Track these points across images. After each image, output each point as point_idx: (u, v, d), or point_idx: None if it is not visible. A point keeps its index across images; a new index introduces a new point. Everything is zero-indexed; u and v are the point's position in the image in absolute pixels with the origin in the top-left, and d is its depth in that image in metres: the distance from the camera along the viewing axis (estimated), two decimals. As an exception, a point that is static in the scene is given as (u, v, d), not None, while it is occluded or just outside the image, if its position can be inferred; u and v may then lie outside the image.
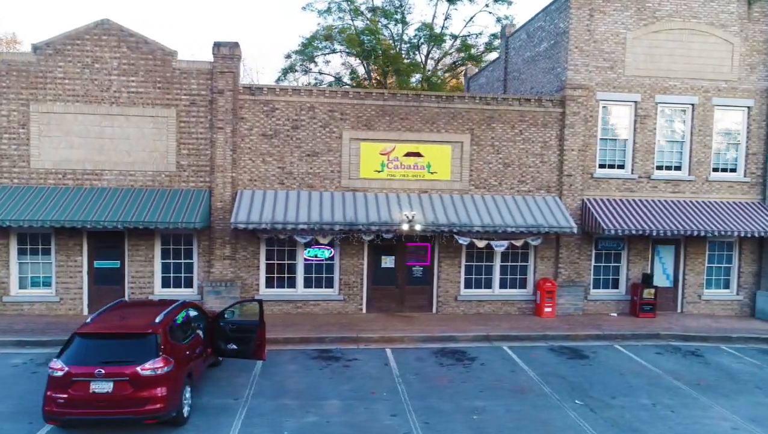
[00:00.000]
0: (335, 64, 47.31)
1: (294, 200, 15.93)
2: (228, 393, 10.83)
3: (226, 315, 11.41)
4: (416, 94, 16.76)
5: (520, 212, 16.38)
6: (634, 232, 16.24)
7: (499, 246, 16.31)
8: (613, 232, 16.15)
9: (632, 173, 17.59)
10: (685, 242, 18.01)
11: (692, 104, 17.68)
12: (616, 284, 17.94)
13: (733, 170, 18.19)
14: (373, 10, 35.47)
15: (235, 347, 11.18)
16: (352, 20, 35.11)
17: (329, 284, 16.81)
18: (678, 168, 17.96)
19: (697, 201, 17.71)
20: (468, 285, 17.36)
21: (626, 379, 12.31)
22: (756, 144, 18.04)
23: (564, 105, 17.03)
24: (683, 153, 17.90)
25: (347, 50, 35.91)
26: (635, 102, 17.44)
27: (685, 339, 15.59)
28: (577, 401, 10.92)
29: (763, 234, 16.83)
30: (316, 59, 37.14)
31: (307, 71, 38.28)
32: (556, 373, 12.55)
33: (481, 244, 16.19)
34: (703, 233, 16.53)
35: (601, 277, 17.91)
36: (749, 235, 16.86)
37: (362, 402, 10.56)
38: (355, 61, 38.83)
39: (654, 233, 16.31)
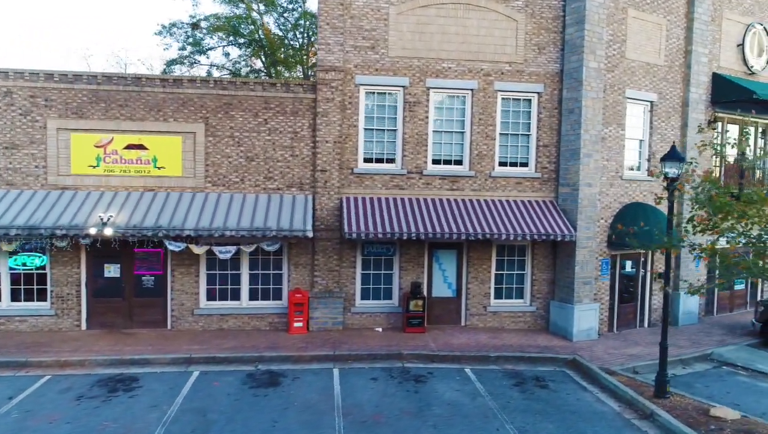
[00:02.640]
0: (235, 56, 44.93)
1: (-16, 200, 13.66)
2: None
3: None
4: (137, 78, 14.51)
5: (252, 214, 14.17)
6: (380, 235, 14.09)
7: (225, 252, 14.10)
8: (354, 236, 13.99)
9: (402, 168, 15.44)
10: (468, 247, 15.88)
11: (471, 90, 15.54)
12: (389, 295, 15.78)
13: (524, 165, 16.07)
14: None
15: None
16: (236, 7, 32.89)
17: (42, 297, 14.56)
18: (459, 162, 15.81)
19: (478, 200, 15.58)
20: (212, 297, 15.15)
21: (285, 414, 10.14)
22: (547, 135, 15.92)
23: (316, 90, 14.86)
24: (463, 145, 15.76)
25: (233, 41, 33.70)
26: (403, 87, 15.28)
27: (432, 360, 13.43)
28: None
29: (555, 238, 14.74)
30: (211, 51, 34.84)
31: (193, 63, 36.01)
32: (205, 409, 10.34)
33: (199, 250, 13.97)
34: (482, 237, 14.42)
35: (371, 286, 15.74)
36: (537, 238, 14.77)
37: None
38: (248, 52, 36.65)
39: (402, 237, 14.13)
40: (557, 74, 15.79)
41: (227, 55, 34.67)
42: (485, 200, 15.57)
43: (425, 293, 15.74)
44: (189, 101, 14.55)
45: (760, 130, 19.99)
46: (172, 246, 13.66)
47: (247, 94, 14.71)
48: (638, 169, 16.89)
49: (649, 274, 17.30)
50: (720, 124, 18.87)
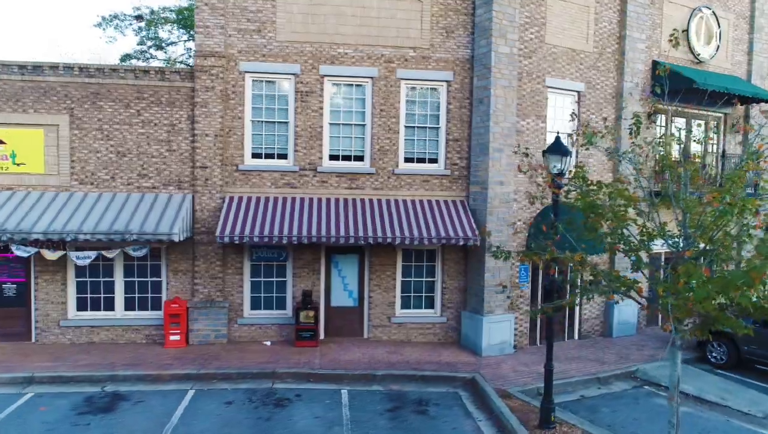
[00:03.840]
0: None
1: None
2: None
3: None
4: (-9, 64, 13.17)
5: (116, 216, 12.71)
6: (257, 239, 12.63)
7: (83, 258, 12.67)
8: (227, 240, 12.54)
9: (294, 165, 13.97)
10: (371, 252, 14.39)
11: (371, 78, 14.05)
12: (282, 304, 14.31)
13: (433, 161, 14.56)
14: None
15: None
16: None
17: None
18: (360, 158, 14.33)
19: (380, 200, 14.09)
20: (83, 306, 13.72)
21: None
22: (458, 128, 14.41)
23: (194, 78, 13.42)
24: (364, 140, 14.28)
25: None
26: (294, 75, 13.80)
27: (309, 379, 11.92)
28: None
29: (457, 242, 13.26)
30: (172, 47, 33.39)
31: (149, 59, 34.61)
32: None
33: (51, 256, 12.55)
34: (376, 241, 12.95)
35: (263, 295, 14.27)
36: (440, 242, 13.29)
37: None
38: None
39: (283, 240, 12.68)
40: (468, 61, 14.29)
41: (190, 50, 33.27)
42: (387, 200, 14.08)
43: (322, 302, 14.28)
44: (51, 90, 13.13)
45: (713, 123, 18.47)
46: (20, 251, 12.24)
47: (116, 83, 13.27)
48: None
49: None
50: (662, 117, 17.34)
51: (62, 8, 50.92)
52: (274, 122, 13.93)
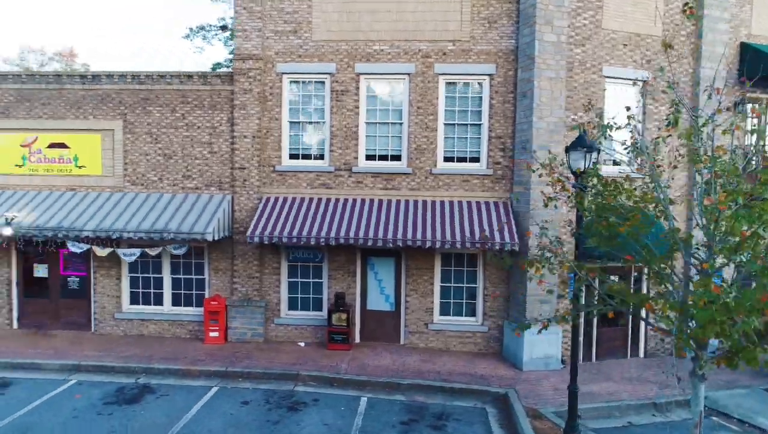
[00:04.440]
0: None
1: None
2: None
3: None
4: (58, 75, 14.27)
5: (159, 215, 13.29)
6: (286, 240, 12.58)
7: (129, 255, 13.35)
8: (257, 240, 12.62)
9: (329, 165, 13.79)
10: (407, 255, 13.83)
11: (408, 74, 13.50)
12: (319, 305, 14.19)
13: (475, 160, 13.70)
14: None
15: None
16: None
17: (-23, 295, 14.81)
18: (397, 158, 13.83)
19: (416, 201, 13.51)
20: (135, 300, 14.53)
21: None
22: (501, 124, 13.43)
23: (234, 81, 13.69)
24: (402, 138, 13.75)
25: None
26: (330, 74, 13.62)
27: (332, 383, 11.65)
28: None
29: (502, 247, 12.39)
30: None
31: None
32: (33, 425, 9.53)
33: (101, 252, 13.34)
34: (404, 244, 12.47)
35: (300, 296, 14.24)
36: (482, 247, 12.51)
37: None
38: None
39: (311, 241, 12.52)
40: (512, 52, 13.29)
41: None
42: (424, 201, 13.48)
43: (358, 305, 13.98)
44: (107, 97, 14.05)
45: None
46: (75, 247, 13.19)
47: (164, 88, 13.91)
48: (628, 164, 13.81)
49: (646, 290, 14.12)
50: (758, 106, 15.06)
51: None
52: (311, 122, 13.88)
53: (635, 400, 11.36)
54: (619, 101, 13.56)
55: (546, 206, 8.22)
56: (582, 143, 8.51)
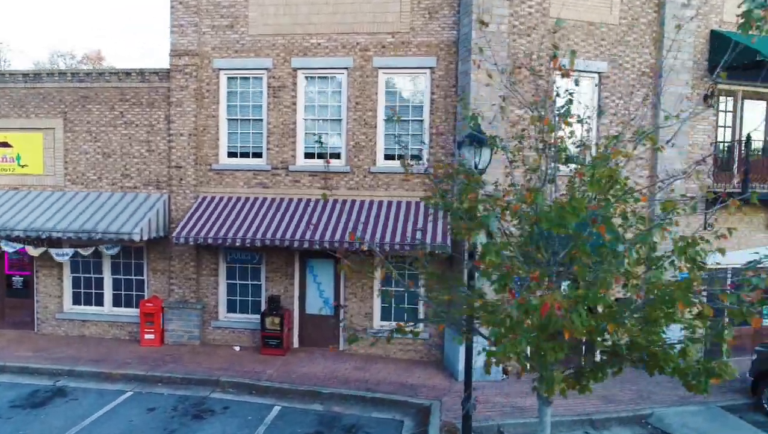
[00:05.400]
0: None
1: None
2: None
3: None
4: (0, 73, 14.23)
5: (92, 215, 13.05)
6: (211, 241, 12.16)
7: (61, 255, 13.16)
8: (182, 241, 12.25)
9: (266, 164, 13.33)
10: (346, 258, 13.22)
11: (346, 68, 12.94)
12: (257, 308, 13.72)
13: (415, 157, 12.98)
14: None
15: None
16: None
17: (-71, 292, 14.90)
18: (336, 156, 13.27)
19: (354, 201, 12.92)
20: (77, 301, 14.36)
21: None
22: (443, 120, 12.71)
23: (170, 78, 13.38)
24: (341, 136, 13.18)
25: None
26: (267, 69, 13.17)
27: (251, 391, 11.18)
28: None
29: (433, 249, 11.69)
30: None
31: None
32: (-74, 427, 9.42)
33: (35, 252, 13.17)
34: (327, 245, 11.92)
35: (238, 298, 13.81)
36: (411, 249, 11.87)
37: None
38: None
39: (236, 243, 12.07)
40: (454, 44, 12.59)
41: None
42: (362, 201, 12.89)
43: (296, 309, 13.48)
44: (48, 96, 13.93)
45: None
46: (7, 247, 13.09)
47: (103, 86, 13.71)
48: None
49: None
50: (730, 99, 13.96)
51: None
52: (248, 119, 13.46)
53: (571, 416, 10.51)
54: (574, 94, 12.74)
55: (428, 206, 7.55)
56: (476, 138, 7.81)
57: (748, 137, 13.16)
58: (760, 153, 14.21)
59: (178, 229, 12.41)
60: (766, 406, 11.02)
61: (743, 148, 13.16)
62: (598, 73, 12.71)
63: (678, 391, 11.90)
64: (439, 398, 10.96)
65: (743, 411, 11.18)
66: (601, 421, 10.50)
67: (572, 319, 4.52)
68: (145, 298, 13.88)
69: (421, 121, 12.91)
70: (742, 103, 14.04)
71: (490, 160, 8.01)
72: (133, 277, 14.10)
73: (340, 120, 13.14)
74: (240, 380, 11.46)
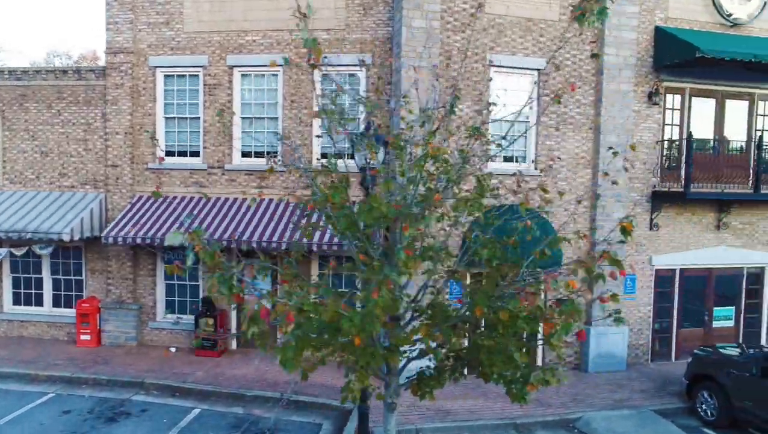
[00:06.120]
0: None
1: None
2: None
3: None
4: (-61, 72, 14.13)
5: (24, 214, 12.91)
6: (140, 241, 12.00)
7: (-8, 255, 13.06)
8: (111, 241, 12.10)
9: (203, 163, 13.17)
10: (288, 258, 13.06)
11: (281, 66, 12.77)
12: (196, 309, 13.53)
13: (352, 157, 12.81)
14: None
15: None
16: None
17: None
18: (275, 154, 13.08)
19: (289, 201, 12.74)
20: (18, 301, 14.22)
21: None
22: (379, 118, 12.50)
23: (106, 76, 13.22)
24: (278, 134, 13.00)
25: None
26: (203, 67, 13.01)
27: (174, 393, 11.00)
28: None
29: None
30: None
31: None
32: None
33: (-40, 252, 13.09)
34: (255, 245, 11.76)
35: (177, 299, 13.64)
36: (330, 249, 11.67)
37: None
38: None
39: (155, 243, 11.89)
40: (388, 40, 12.40)
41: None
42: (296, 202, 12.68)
43: (233, 309, 13.31)
44: (-14, 94, 13.83)
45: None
46: (-72, 246, 13.00)
47: (40, 84, 13.56)
48: (515, 160, 12.75)
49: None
50: (678, 97, 13.71)
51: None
52: (186, 117, 13.29)
53: (495, 420, 10.31)
54: (510, 92, 12.54)
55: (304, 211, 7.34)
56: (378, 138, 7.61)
57: (689, 136, 12.90)
58: (710, 152, 13.98)
59: (108, 229, 12.26)
60: (699, 410, 10.79)
61: (686, 147, 12.89)
62: (537, 70, 12.49)
63: (615, 394, 11.73)
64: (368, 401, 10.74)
65: (678, 415, 10.95)
66: (526, 425, 10.29)
67: (342, 324, 4.34)
68: (84, 298, 13.73)
69: (358, 118, 12.70)
70: (691, 101, 13.79)
71: (384, 159, 7.80)
72: (72, 277, 13.96)
73: (276, 118, 12.96)
74: (164, 382, 11.29)
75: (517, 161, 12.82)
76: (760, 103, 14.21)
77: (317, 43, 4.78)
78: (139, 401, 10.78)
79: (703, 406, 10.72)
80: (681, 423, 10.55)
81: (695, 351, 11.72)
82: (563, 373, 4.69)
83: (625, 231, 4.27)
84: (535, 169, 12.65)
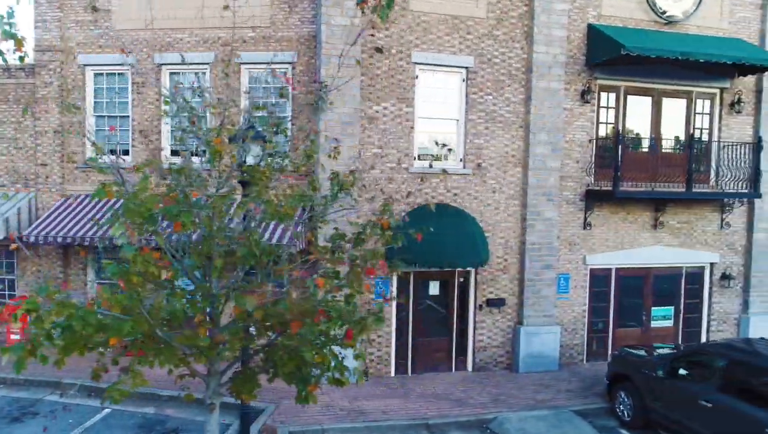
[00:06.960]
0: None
1: None
2: None
3: None
4: None
5: (-48, 212, 12.89)
6: (60, 240, 11.94)
7: None
8: (33, 240, 12.02)
9: (132, 162, 13.07)
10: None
11: (208, 64, 12.70)
12: (128, 309, 13.49)
13: (285, 157, 12.75)
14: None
15: None
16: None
17: None
18: (203, 153, 13.00)
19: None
20: (-48, 301, 14.19)
21: None
22: (305, 117, 12.45)
23: (35, 75, 13.16)
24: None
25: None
26: (131, 65, 12.94)
27: (90, 393, 10.96)
28: None
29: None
30: None
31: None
32: None
33: None
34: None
35: (109, 298, 13.58)
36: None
37: None
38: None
39: (75, 242, 11.83)
40: (313, 38, 12.32)
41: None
42: (232, 202, 12.59)
43: (165, 309, 13.24)
44: None
45: (703, 102, 14.18)
46: None
47: (-30, 83, 13.51)
48: (446, 159, 12.65)
49: (473, 300, 12.92)
50: (612, 95, 13.62)
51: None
52: (116, 116, 13.22)
53: (407, 420, 10.23)
54: (437, 90, 12.50)
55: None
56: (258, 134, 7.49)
57: (617, 134, 12.82)
58: (646, 150, 13.89)
59: (30, 228, 12.19)
60: (617, 410, 10.71)
61: (614, 145, 12.80)
62: (465, 68, 12.41)
63: (539, 395, 11.65)
64: (281, 401, 10.68)
65: (599, 416, 10.88)
66: (439, 426, 10.21)
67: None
68: (15, 298, 13.66)
69: (285, 117, 12.63)
70: (626, 99, 13.70)
71: (263, 156, 7.69)
72: (5, 277, 13.89)
73: (203, 117, 12.85)
74: (81, 382, 11.22)
75: (446, 159, 12.74)
76: (698, 102, 14.13)
77: (16, 35, 4.30)
78: (53, 401, 10.74)
79: (621, 407, 10.65)
80: (599, 423, 10.48)
81: (614, 351, 11.64)
82: (361, 372, 4.61)
83: (382, 229, 4.22)
84: (464, 168, 12.56)
